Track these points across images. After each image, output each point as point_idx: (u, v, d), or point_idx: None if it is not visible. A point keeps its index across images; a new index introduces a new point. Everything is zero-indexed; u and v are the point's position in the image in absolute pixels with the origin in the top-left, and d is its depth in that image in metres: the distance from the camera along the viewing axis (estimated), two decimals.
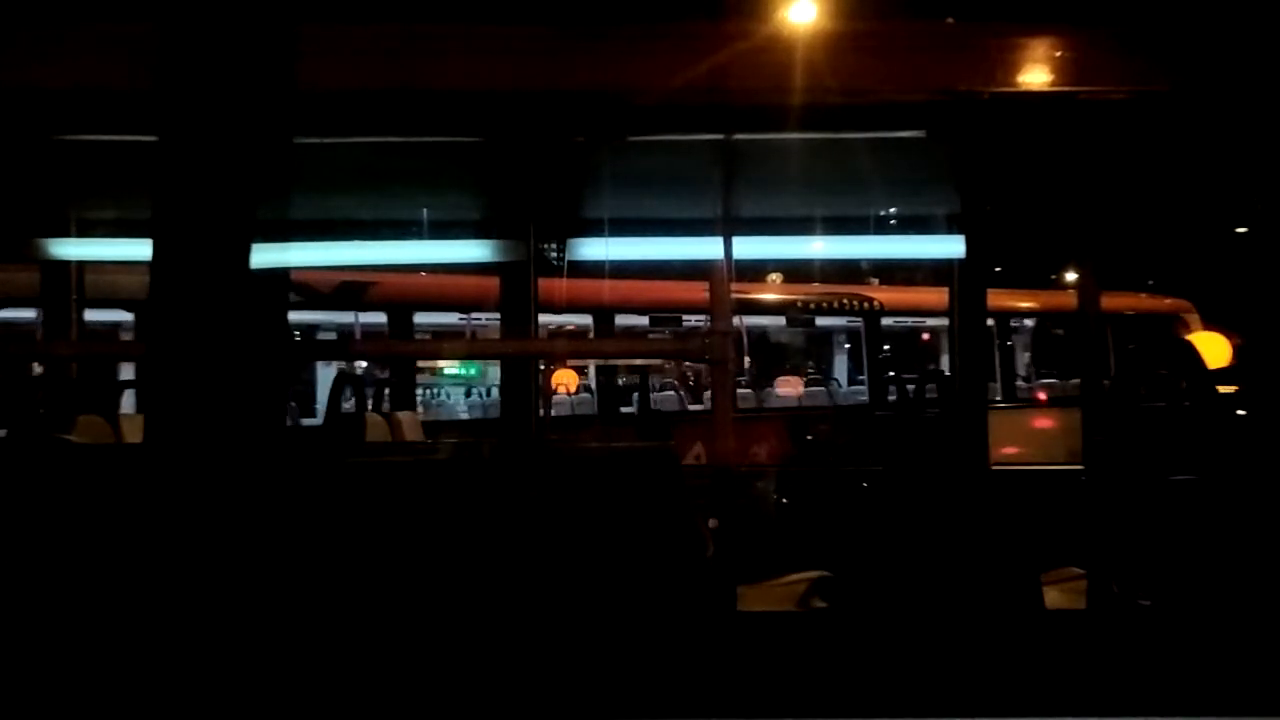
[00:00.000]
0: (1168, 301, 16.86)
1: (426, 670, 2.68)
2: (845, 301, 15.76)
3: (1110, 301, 15.50)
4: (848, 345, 17.25)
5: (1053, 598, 3.94)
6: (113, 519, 2.90)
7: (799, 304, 15.79)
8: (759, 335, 16.56)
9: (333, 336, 13.38)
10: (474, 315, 13.15)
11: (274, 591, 2.72)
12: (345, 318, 12.82)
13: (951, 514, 3.83)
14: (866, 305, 15.63)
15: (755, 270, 15.09)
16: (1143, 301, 16.96)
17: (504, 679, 2.67)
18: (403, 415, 10.05)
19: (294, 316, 12.06)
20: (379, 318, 12.63)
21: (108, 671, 2.61)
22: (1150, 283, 18.00)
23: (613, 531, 3.25)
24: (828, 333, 17.50)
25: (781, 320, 16.64)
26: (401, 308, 12.05)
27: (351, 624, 2.82)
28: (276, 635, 2.69)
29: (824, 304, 15.83)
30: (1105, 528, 3.60)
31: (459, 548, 3.18)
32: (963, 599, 3.53)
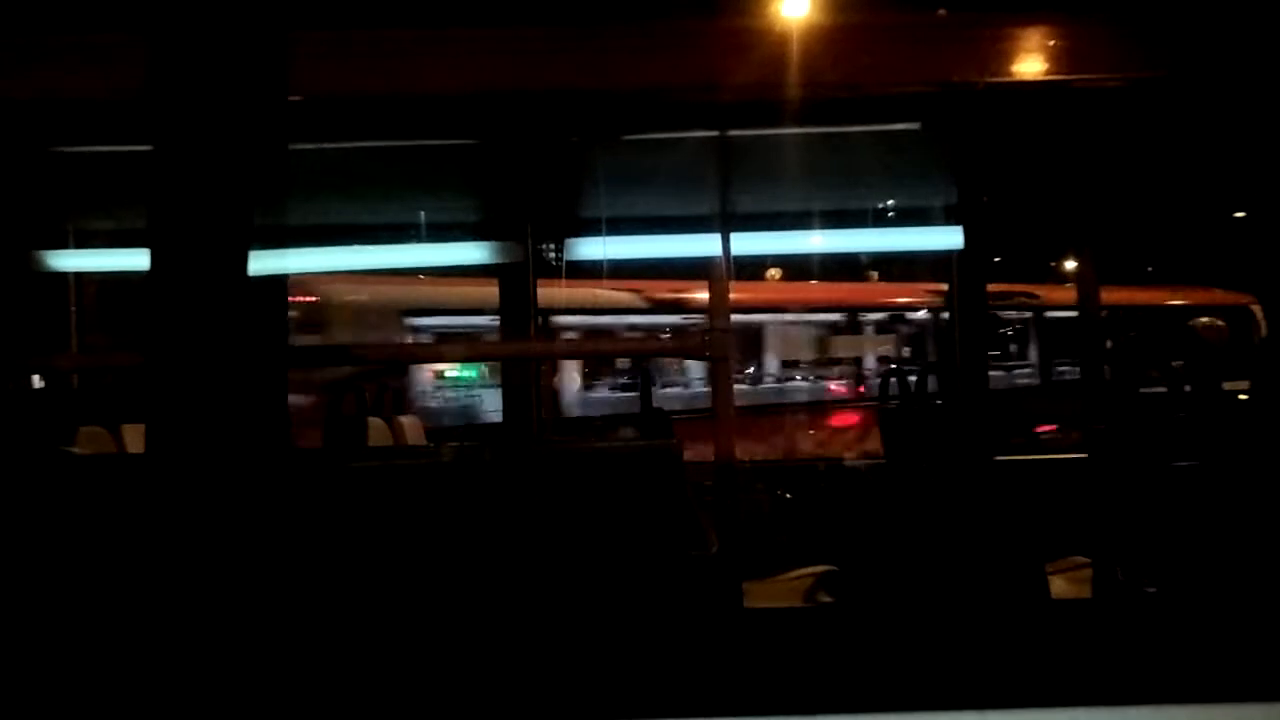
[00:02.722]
0: (1232, 295, 17.12)
1: (430, 672, 2.67)
2: (1018, 298, 18.05)
3: (1178, 296, 16.66)
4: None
5: (1058, 586, 3.93)
6: (117, 530, 2.89)
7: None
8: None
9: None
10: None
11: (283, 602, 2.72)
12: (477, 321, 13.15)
13: (956, 504, 3.83)
14: (1034, 300, 18.19)
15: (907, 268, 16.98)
16: (1209, 296, 17.39)
17: (509, 679, 2.67)
18: (405, 419, 10.07)
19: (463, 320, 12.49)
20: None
21: (112, 685, 2.61)
22: (1150, 270, 18.28)
23: (615, 529, 3.25)
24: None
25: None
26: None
27: (360, 613, 2.81)
28: (285, 648, 2.68)
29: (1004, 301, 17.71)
30: (1110, 516, 3.59)
31: (461, 547, 3.18)
32: (967, 589, 3.52)
